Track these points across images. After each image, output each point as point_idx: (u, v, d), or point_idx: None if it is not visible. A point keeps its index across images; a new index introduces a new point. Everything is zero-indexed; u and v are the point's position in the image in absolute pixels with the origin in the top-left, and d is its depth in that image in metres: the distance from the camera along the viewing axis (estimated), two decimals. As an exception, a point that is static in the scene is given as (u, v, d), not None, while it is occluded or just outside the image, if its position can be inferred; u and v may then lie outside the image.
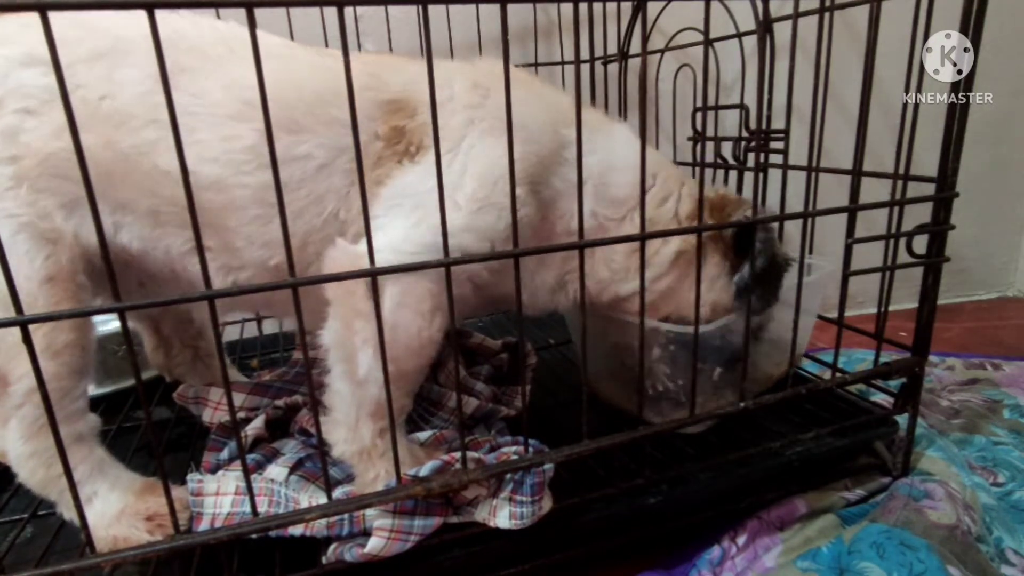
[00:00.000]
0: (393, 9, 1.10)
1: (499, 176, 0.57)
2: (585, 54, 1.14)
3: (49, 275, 0.54)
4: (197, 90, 0.56)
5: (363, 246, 0.49)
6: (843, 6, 0.72)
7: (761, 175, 0.91)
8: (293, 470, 0.67)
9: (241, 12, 0.40)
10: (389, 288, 0.55)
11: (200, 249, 0.43)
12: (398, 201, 0.58)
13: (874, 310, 0.76)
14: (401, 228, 0.57)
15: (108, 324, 0.94)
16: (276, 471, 0.66)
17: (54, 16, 0.37)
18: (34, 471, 0.57)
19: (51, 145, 0.53)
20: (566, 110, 0.65)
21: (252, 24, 0.40)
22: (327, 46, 0.98)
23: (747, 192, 0.95)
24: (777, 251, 0.66)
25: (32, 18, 0.56)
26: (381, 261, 0.49)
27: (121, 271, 0.60)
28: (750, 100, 0.95)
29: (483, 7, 1.10)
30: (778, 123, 0.79)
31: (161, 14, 0.40)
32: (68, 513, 0.59)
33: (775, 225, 0.66)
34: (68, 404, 0.56)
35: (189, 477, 0.61)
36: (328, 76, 0.60)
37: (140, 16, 0.58)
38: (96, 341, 0.60)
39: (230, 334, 1.15)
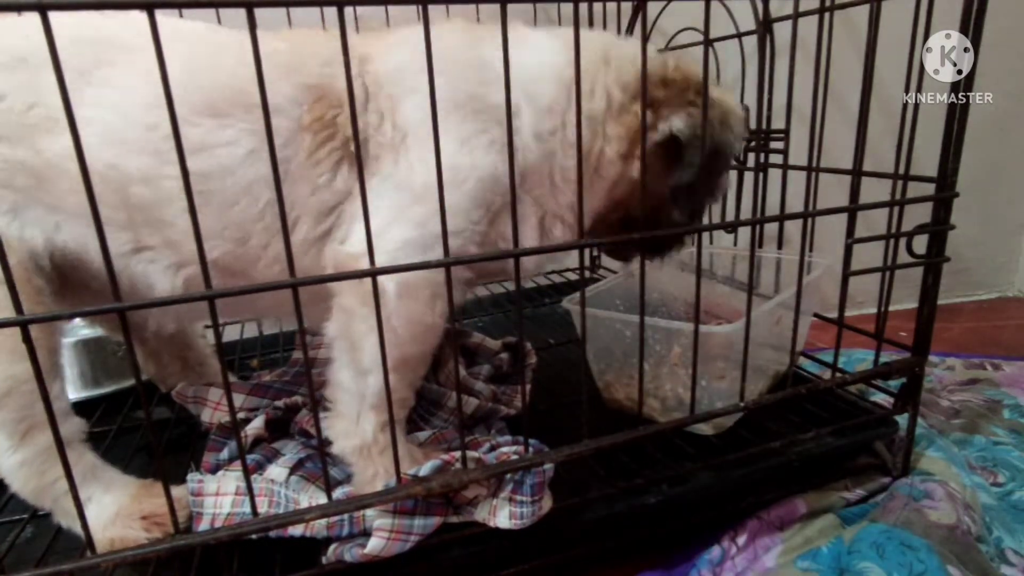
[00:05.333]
0: (393, 9, 1.10)
1: (446, 156, 0.55)
2: (585, 54, 1.14)
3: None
4: (119, 83, 0.54)
5: (353, 246, 0.52)
6: (843, 6, 0.72)
7: (761, 175, 0.92)
8: (293, 471, 0.67)
9: (240, 14, 0.40)
10: (390, 281, 0.55)
11: (200, 248, 0.43)
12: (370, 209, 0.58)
13: (874, 310, 0.76)
14: (377, 231, 0.56)
15: (93, 328, 0.93)
16: (276, 471, 0.66)
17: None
18: (27, 481, 0.56)
19: None
20: (480, 31, 0.62)
21: (252, 24, 0.40)
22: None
23: (747, 193, 0.96)
24: (717, 140, 0.59)
25: None
26: (363, 264, 0.49)
27: (69, 273, 0.59)
28: (750, 100, 0.95)
29: (483, 7, 1.10)
30: (778, 123, 0.79)
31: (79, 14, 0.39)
32: (64, 520, 0.59)
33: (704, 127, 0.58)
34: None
35: (189, 477, 0.61)
36: (247, 58, 0.59)
37: (60, 18, 0.58)
38: (84, 343, 0.59)
39: (230, 334, 1.15)
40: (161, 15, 0.61)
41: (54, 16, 0.38)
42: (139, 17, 0.59)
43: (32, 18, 0.57)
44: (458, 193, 0.57)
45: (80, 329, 0.94)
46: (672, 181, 0.60)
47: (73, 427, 0.59)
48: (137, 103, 0.54)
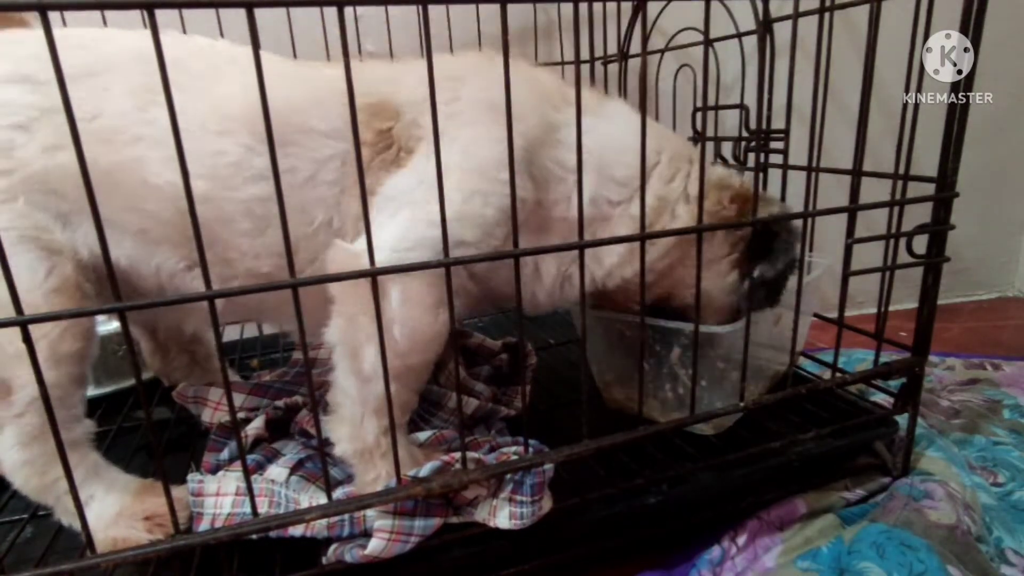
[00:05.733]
0: (393, 9, 1.10)
1: (480, 163, 0.57)
2: (585, 54, 1.14)
3: (54, 287, 0.54)
4: (181, 105, 0.56)
5: (359, 244, 0.50)
6: (843, 6, 0.72)
7: (761, 175, 0.92)
8: (293, 471, 0.67)
9: (240, 15, 0.40)
10: (393, 286, 0.55)
11: (200, 249, 0.43)
12: (387, 203, 0.59)
13: (874, 310, 0.76)
14: (392, 227, 0.57)
15: (108, 324, 0.94)
16: (276, 472, 0.66)
17: (39, 33, 0.37)
18: (28, 479, 0.57)
19: (41, 161, 0.54)
20: (553, 89, 0.64)
21: (252, 24, 0.40)
22: (327, 46, 0.98)
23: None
24: (794, 256, 0.66)
25: (16, 34, 0.57)
26: (377, 261, 0.49)
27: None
28: (750, 100, 0.95)
29: (483, 7, 1.10)
30: (778, 123, 0.79)
31: (137, 30, 0.39)
32: (66, 518, 0.59)
33: (797, 227, 0.65)
34: (65, 411, 0.56)
35: (189, 477, 0.61)
36: (303, 86, 0.60)
37: (121, 33, 0.59)
38: (96, 345, 0.60)
39: (230, 334, 1.15)
40: (221, 42, 0.62)
41: (119, 34, 0.38)
42: (204, 44, 0.61)
43: (96, 30, 0.58)
44: (495, 206, 0.57)
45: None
46: (757, 274, 0.65)
47: (82, 429, 0.59)
48: (203, 129, 0.56)
